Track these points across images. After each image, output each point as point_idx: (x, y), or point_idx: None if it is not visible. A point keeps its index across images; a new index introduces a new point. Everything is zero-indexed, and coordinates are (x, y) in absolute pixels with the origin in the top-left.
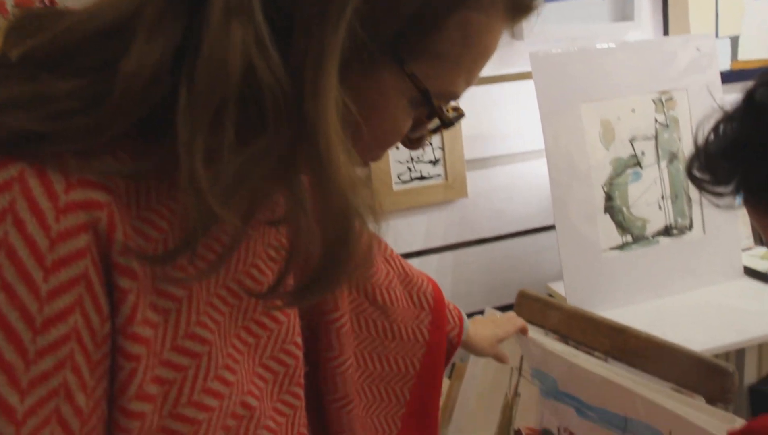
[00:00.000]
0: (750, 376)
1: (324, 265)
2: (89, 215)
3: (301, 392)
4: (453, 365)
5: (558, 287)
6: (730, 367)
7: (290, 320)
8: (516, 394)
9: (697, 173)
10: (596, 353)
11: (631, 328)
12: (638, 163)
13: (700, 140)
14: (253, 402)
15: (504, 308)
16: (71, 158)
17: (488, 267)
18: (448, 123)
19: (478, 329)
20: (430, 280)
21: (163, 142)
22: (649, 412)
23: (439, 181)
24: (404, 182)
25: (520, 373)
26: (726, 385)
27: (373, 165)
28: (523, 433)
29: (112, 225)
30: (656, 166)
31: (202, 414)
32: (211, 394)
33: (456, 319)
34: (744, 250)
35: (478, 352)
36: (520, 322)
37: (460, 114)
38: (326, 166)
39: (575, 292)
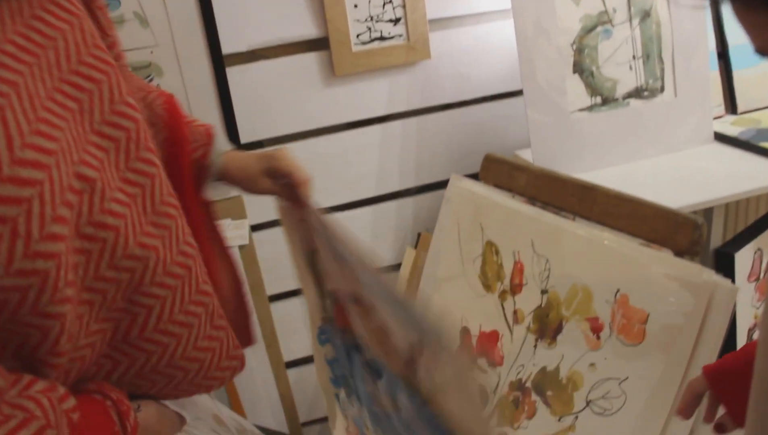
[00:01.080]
0: (716, 240)
1: None
2: None
3: (155, 158)
4: (419, 235)
5: (526, 155)
6: (699, 219)
7: (111, 78)
8: None
9: None
10: (563, 213)
11: (600, 185)
12: (609, 21)
13: None
14: (91, 173)
15: (470, 177)
16: None
17: (453, 134)
18: None
19: (238, 156)
20: (163, 92)
21: None
22: None
23: (401, 41)
24: (364, 43)
25: None
26: (694, 238)
27: (331, 25)
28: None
29: None
30: (628, 24)
31: (26, 190)
32: (29, 165)
33: (203, 136)
34: (715, 118)
35: (239, 184)
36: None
37: None
38: None
39: (543, 156)
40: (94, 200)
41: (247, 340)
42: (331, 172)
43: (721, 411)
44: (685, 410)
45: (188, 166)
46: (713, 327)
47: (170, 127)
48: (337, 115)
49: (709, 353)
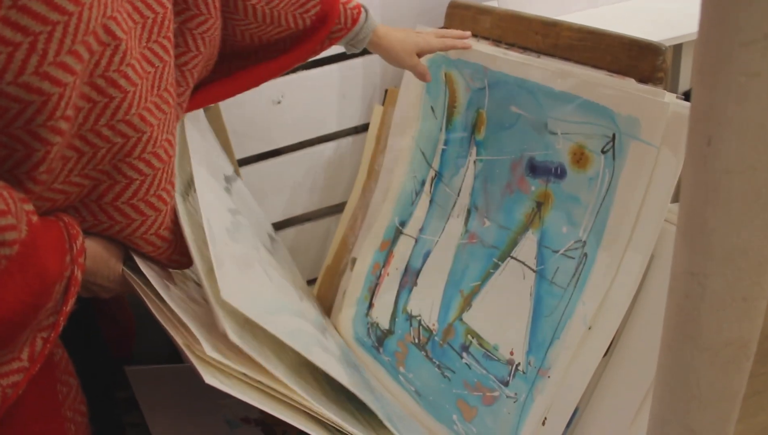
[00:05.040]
0: (685, 82)
1: None
2: None
3: (170, 48)
4: (386, 91)
5: (491, 3)
6: (662, 45)
7: None
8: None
9: None
10: (529, 52)
11: (563, 20)
12: None
13: None
14: (119, 33)
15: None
16: None
17: None
18: None
19: (392, 32)
20: None
21: None
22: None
23: None
24: None
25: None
26: (657, 63)
27: None
28: None
29: None
30: None
31: (54, 14)
32: None
33: (348, 20)
34: None
35: (391, 57)
36: (450, 40)
37: None
38: None
39: (508, 1)
40: (115, 58)
41: None
42: None
43: None
44: None
45: (320, 40)
46: (675, 146)
47: (325, 4)
48: None
49: (671, 173)
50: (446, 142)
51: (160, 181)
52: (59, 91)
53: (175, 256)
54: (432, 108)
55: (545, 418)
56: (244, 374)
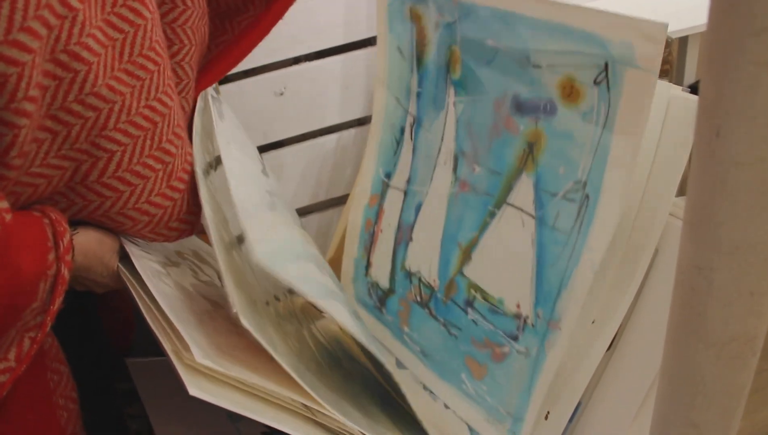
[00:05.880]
0: (690, 76)
1: None
2: None
3: (144, 10)
4: None
5: None
6: (668, 37)
7: None
8: None
9: None
10: None
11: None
12: None
13: None
14: (75, 3)
15: None
16: None
17: None
18: None
19: None
20: None
21: None
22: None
23: None
24: None
25: None
26: (662, 55)
27: None
28: None
29: None
30: None
31: None
32: None
33: None
34: None
35: None
36: None
37: None
38: None
39: None
40: (74, 30)
41: None
42: (296, 20)
43: None
44: None
45: None
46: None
47: None
48: None
49: (677, 161)
50: (420, 85)
51: (143, 149)
52: (17, 71)
53: (174, 223)
54: (399, 48)
55: (548, 412)
56: (238, 380)
